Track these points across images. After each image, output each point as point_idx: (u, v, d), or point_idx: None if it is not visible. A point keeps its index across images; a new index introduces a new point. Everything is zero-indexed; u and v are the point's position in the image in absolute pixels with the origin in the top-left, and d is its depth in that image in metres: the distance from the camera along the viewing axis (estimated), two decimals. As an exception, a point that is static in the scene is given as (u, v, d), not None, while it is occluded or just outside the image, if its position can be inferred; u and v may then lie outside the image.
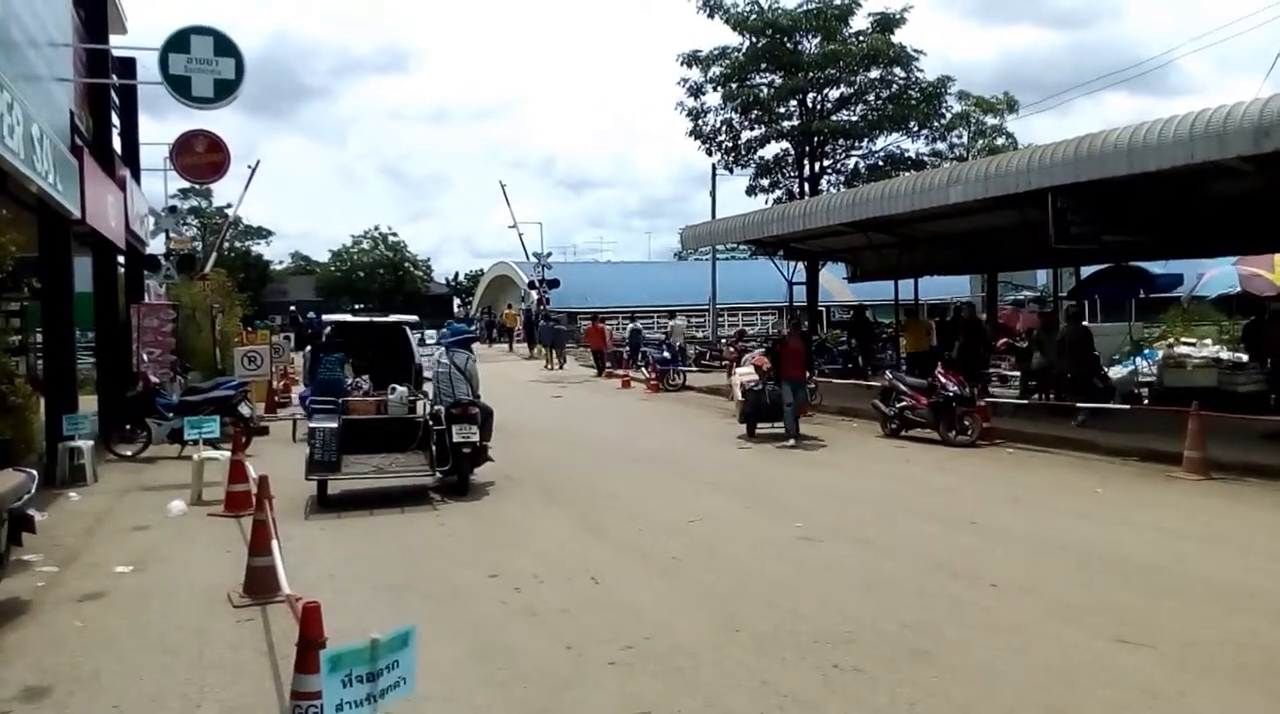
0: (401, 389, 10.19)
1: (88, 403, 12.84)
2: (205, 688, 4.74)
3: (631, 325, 30.91)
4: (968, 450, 12.34)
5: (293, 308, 47.91)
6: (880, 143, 27.61)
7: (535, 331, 35.97)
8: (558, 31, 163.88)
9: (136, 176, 17.57)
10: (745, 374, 14.35)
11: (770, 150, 27.85)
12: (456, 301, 72.60)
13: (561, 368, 30.74)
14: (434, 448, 9.66)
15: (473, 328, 24.52)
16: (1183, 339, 19.57)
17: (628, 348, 28.56)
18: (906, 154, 27.45)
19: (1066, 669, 4.77)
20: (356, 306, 53.48)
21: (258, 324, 31.12)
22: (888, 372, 14.95)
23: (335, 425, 9.40)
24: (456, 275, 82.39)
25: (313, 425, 9.51)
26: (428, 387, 10.87)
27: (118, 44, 15.46)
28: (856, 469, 11.34)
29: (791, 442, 12.95)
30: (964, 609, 5.77)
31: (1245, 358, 14.72)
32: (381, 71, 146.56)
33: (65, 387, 11.49)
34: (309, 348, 17.65)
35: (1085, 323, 16.08)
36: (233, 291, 25.79)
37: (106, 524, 8.70)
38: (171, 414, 12.69)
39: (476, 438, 9.70)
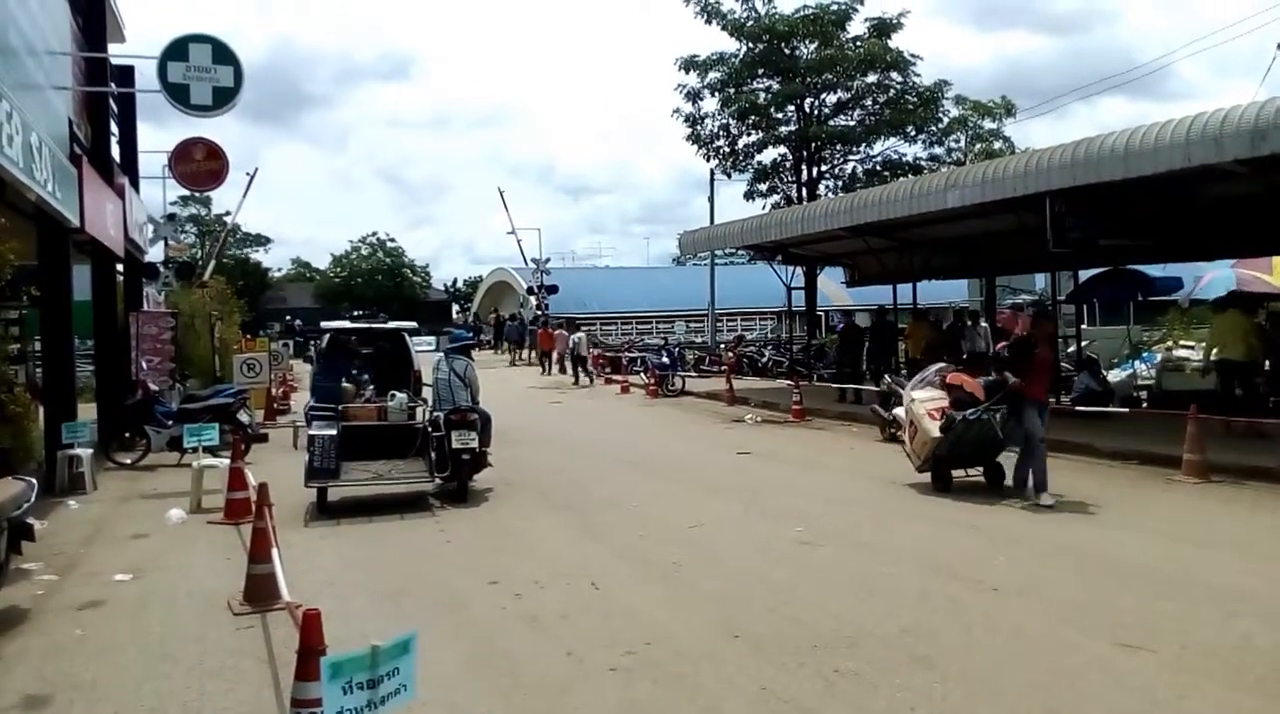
0: (401, 396, 10.19)
1: (87, 411, 12.84)
2: (205, 696, 4.73)
3: (574, 336, 31.88)
4: (967, 454, 12.32)
5: (288, 317, 48.19)
6: (878, 147, 27.71)
7: (504, 331, 41.96)
8: (558, 38, 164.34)
9: (135, 184, 17.59)
10: (931, 400, 9.95)
11: (768, 155, 27.96)
12: (455, 308, 72.57)
13: (529, 364, 34.06)
14: (433, 454, 9.66)
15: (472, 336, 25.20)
16: (1181, 342, 19.60)
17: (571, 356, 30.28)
18: (904, 159, 27.55)
19: (1066, 672, 4.77)
20: (355, 313, 53.52)
21: (262, 332, 31.33)
22: (886, 376, 14.92)
23: (334, 432, 9.41)
24: (455, 281, 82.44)
25: (312, 432, 9.50)
26: (426, 392, 10.87)
27: (116, 52, 15.50)
28: (855, 473, 11.33)
29: (1049, 500, 8.85)
30: (964, 613, 5.77)
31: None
32: (383, 79, 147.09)
33: (64, 395, 11.49)
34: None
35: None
36: (231, 299, 25.81)
37: (106, 532, 8.70)
38: (170, 422, 12.68)
39: (475, 444, 9.70)
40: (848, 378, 18.84)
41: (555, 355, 31.26)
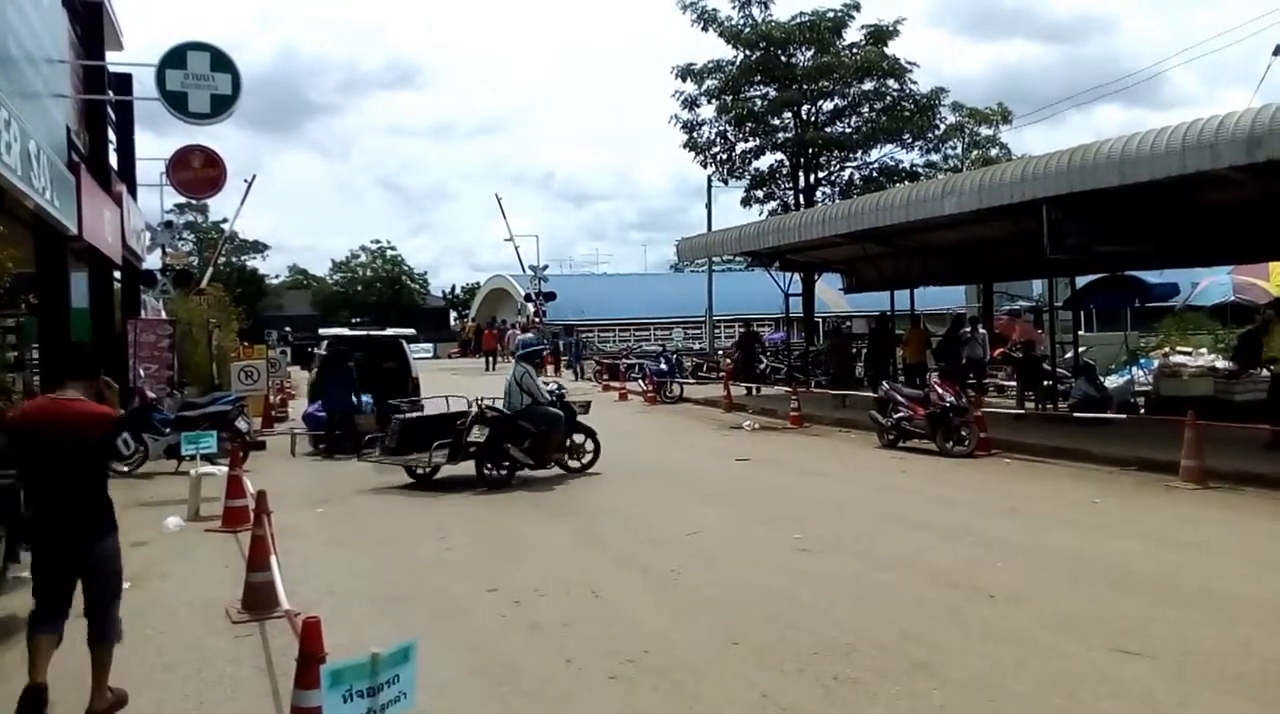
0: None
1: (84, 419, 12.78)
2: (204, 704, 4.73)
3: (518, 336, 35.09)
4: (965, 461, 12.34)
5: (287, 328, 48.42)
6: (875, 154, 27.75)
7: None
8: (559, 47, 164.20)
9: (133, 192, 17.59)
10: None
11: (765, 162, 27.97)
12: (453, 315, 72.58)
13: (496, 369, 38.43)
14: (451, 444, 10.64)
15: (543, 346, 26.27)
16: (1179, 348, 19.61)
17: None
18: (901, 165, 27.56)
19: (1065, 680, 4.77)
20: (354, 320, 53.70)
21: (266, 338, 31.59)
22: (884, 382, 14.93)
23: (404, 418, 11.23)
24: (454, 288, 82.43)
25: (396, 417, 11.42)
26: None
27: (114, 60, 15.51)
28: (854, 480, 11.35)
29: None
30: (963, 620, 5.77)
31: (1235, 366, 14.47)
32: (386, 88, 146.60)
33: (62, 402, 11.43)
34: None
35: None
36: (229, 306, 25.80)
37: (104, 540, 8.65)
38: (168, 429, 12.67)
39: (483, 439, 10.66)
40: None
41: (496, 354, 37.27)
